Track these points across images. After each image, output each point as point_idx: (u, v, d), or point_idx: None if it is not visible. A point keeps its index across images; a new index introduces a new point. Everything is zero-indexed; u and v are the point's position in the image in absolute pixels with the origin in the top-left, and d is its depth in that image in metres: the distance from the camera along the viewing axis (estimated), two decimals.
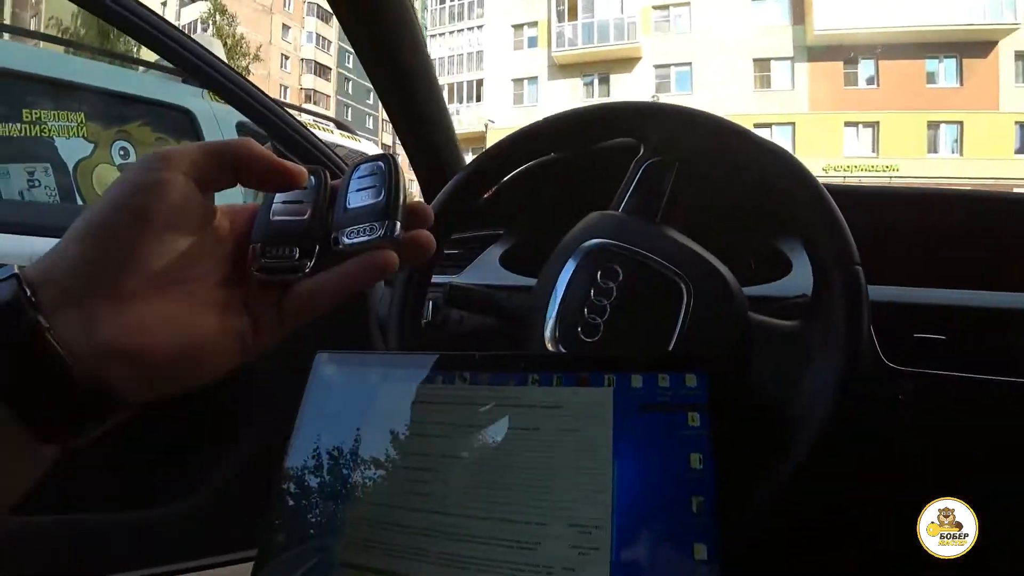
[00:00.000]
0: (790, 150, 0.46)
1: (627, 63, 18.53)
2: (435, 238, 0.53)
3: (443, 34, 21.61)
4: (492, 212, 0.76)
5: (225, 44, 15.67)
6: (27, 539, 0.74)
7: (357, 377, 0.41)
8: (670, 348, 0.42)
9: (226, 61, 2.31)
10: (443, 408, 0.37)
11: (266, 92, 0.94)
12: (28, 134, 1.64)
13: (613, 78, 18.77)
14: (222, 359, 0.23)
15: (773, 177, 0.44)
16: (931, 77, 16.24)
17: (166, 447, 0.89)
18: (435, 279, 0.59)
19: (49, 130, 1.64)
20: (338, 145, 2.98)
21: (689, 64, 17.99)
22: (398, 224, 0.25)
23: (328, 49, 29.56)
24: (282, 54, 27.43)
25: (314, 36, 28.66)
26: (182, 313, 0.22)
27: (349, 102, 29.85)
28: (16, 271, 0.20)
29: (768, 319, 0.45)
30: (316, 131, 2.94)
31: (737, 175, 0.48)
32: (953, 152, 15.95)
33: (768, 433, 0.41)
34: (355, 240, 0.25)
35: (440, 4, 21.91)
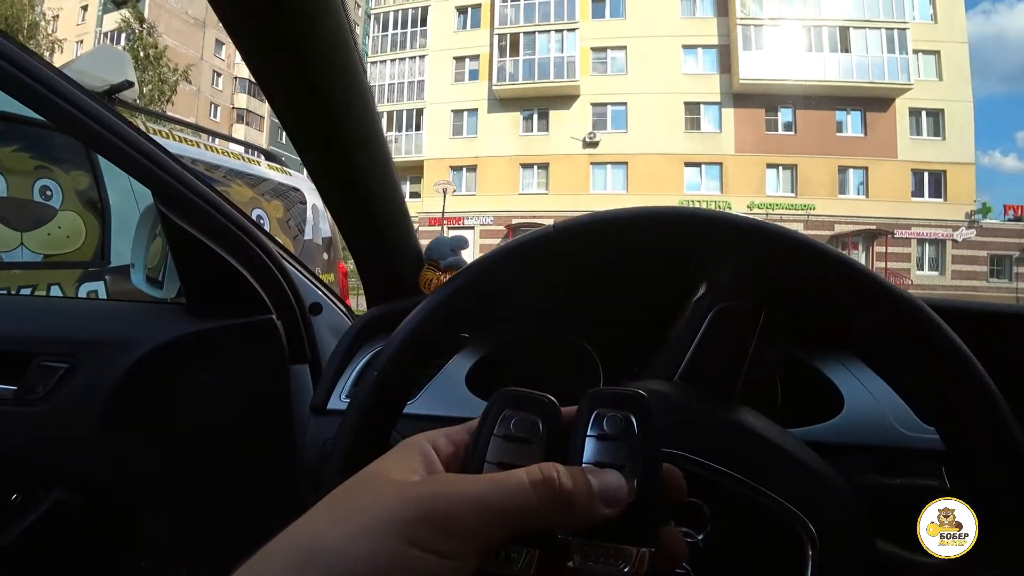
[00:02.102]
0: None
1: (566, 100, 19.04)
2: (408, 369, 0.34)
3: (384, 62, 21.40)
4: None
5: (146, 56, 14.55)
6: None
7: None
8: None
9: (133, 80, 1.99)
10: None
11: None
12: None
13: (552, 114, 19.22)
14: None
15: (895, 330, 0.29)
16: (840, 126, 17.83)
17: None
18: None
19: None
20: (265, 179, 2.69)
21: (624, 104, 18.77)
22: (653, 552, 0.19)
23: None
24: (214, 70, 26.15)
25: None
26: None
27: None
28: None
29: (905, 554, 0.29)
30: (242, 162, 2.65)
31: (840, 320, 0.32)
32: (859, 194, 17.50)
33: None
34: (597, 567, 0.19)
35: (383, 32, 21.74)
